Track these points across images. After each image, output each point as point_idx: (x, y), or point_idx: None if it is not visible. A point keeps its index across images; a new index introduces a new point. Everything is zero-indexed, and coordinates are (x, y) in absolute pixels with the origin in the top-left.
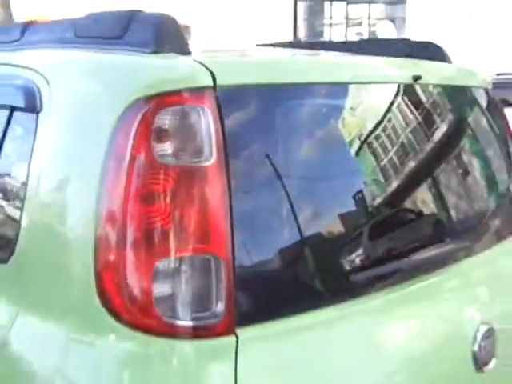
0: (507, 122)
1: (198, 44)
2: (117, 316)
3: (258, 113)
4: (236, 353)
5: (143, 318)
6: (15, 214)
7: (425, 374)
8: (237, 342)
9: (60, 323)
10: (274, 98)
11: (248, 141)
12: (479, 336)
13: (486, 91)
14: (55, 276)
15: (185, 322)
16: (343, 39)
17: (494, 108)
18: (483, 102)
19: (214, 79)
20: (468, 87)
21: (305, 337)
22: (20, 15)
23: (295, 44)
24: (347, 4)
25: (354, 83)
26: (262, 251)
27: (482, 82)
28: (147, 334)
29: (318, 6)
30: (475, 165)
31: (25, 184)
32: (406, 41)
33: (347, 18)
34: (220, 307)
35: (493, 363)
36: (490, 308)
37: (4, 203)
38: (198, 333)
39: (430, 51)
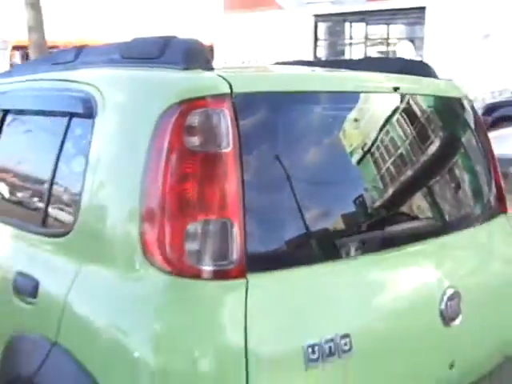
0: (482, 126)
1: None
2: (157, 264)
3: (265, 113)
4: (246, 290)
5: (177, 265)
6: (78, 196)
7: (399, 326)
8: (247, 283)
9: (114, 270)
10: (277, 102)
11: (256, 135)
12: (445, 297)
13: (465, 101)
14: (110, 239)
15: (208, 267)
16: (362, 56)
17: (471, 113)
18: (459, 109)
19: (231, 88)
20: (445, 97)
21: (298, 283)
22: (51, 38)
23: (305, 62)
24: (366, 25)
25: (344, 92)
26: (266, 217)
27: (462, 94)
28: (180, 277)
29: (338, 27)
30: (453, 159)
31: (84, 172)
32: (399, 59)
33: (366, 38)
34: (234, 257)
35: (459, 320)
36: (457, 275)
37: (66, 188)
38: (218, 275)
39: (419, 68)
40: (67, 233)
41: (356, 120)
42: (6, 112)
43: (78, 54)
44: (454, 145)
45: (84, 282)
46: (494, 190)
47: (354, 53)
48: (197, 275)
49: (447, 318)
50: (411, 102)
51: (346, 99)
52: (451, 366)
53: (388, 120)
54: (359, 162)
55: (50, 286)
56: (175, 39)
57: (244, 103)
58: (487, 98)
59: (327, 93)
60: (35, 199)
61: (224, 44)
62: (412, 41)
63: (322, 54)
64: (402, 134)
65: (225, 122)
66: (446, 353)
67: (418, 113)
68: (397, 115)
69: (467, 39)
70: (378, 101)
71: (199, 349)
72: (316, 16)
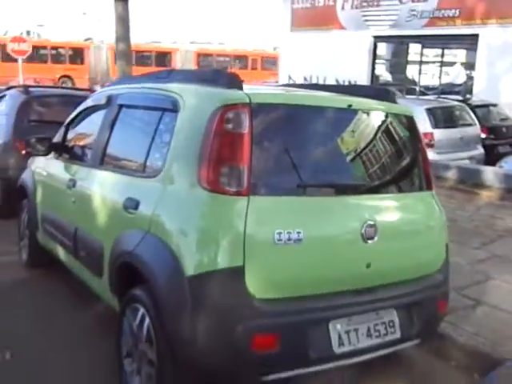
0: (419, 134)
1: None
2: (203, 186)
3: (267, 114)
4: (248, 202)
5: (215, 187)
6: (165, 155)
7: (334, 236)
8: (248, 199)
9: (182, 191)
10: (275, 108)
11: (260, 125)
12: (366, 225)
13: (408, 118)
14: (181, 173)
15: (231, 189)
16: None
17: (411, 127)
18: (402, 122)
19: (250, 100)
20: (393, 113)
21: (274, 203)
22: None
23: (307, 86)
24: (422, 47)
25: (322, 107)
26: (261, 168)
27: (407, 113)
28: (217, 194)
29: (396, 48)
30: (394, 150)
31: (170, 141)
32: (371, 87)
33: (421, 60)
34: (244, 185)
35: (374, 240)
36: (377, 215)
37: (158, 150)
38: (235, 194)
39: (382, 93)
40: (158, 174)
41: (322, 122)
42: (121, 106)
43: (170, 74)
44: (396, 142)
45: (164, 200)
46: (423, 174)
47: (410, 72)
48: (225, 193)
49: (365, 238)
50: (361, 115)
51: (317, 111)
52: (368, 266)
53: (344, 123)
54: (332, 144)
55: (146, 203)
56: (224, 71)
57: (256, 108)
58: None
59: (305, 106)
60: (139, 157)
61: (289, 59)
62: (464, 64)
63: (380, 71)
64: (353, 132)
65: (245, 117)
66: (364, 258)
67: (368, 120)
68: (351, 121)
69: None
70: (339, 112)
71: (222, 234)
72: (375, 37)
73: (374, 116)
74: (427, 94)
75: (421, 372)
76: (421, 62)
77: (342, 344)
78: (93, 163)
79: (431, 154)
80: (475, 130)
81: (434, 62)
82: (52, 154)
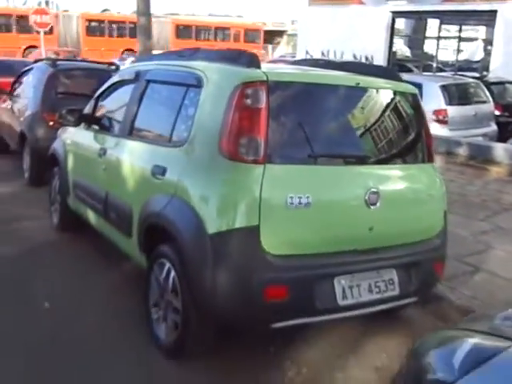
0: (422, 111)
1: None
2: (224, 155)
3: (281, 90)
4: (264, 170)
5: (235, 156)
6: (190, 126)
7: (341, 200)
8: (264, 167)
9: (204, 159)
10: (289, 86)
11: (276, 100)
12: (369, 192)
13: (413, 96)
14: (204, 143)
15: (249, 157)
16: (434, 53)
17: (416, 104)
18: (407, 99)
19: (267, 77)
20: (399, 91)
21: (287, 171)
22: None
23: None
24: (440, 23)
25: (333, 85)
26: (276, 139)
27: (412, 91)
28: (236, 162)
29: (414, 23)
30: (399, 125)
31: (194, 113)
32: (378, 67)
33: (439, 35)
34: (261, 155)
35: (376, 205)
36: (380, 183)
37: (184, 122)
38: (253, 162)
39: (387, 72)
40: (183, 144)
41: (332, 99)
42: (149, 81)
43: (194, 53)
44: (400, 118)
45: (188, 167)
46: (425, 148)
47: (428, 48)
48: (244, 161)
49: (369, 203)
50: (368, 91)
51: (328, 88)
52: (370, 229)
53: (352, 100)
54: (340, 119)
55: (172, 170)
56: (245, 52)
57: (273, 85)
58: None
59: (317, 84)
60: (165, 128)
61: (307, 34)
62: (482, 41)
63: (398, 47)
64: (361, 108)
65: (262, 93)
66: (367, 221)
67: (375, 97)
68: (358, 98)
69: None
70: (348, 89)
71: (240, 197)
72: (393, 12)
73: (380, 93)
74: (445, 71)
75: (419, 330)
76: (439, 38)
77: (346, 297)
78: (122, 133)
79: (444, 131)
80: (489, 107)
81: (451, 38)
82: (82, 125)
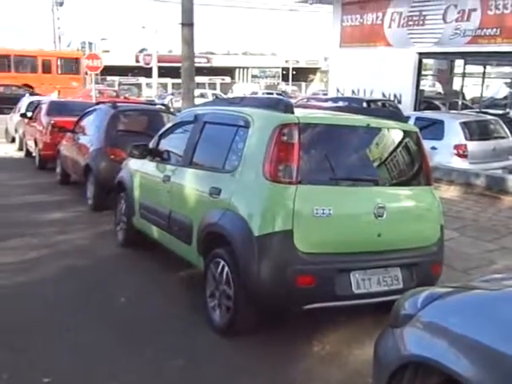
0: (422, 145)
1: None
2: (266, 177)
3: (311, 130)
4: (296, 190)
5: (275, 179)
6: (240, 157)
7: (355, 213)
8: (297, 187)
9: (251, 182)
10: (317, 127)
11: (306, 137)
12: (377, 207)
13: (415, 133)
14: (251, 169)
15: (286, 179)
16: (459, 91)
17: (417, 140)
18: (411, 137)
19: (299, 120)
20: (403, 130)
21: (315, 190)
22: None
23: (344, 109)
24: (465, 63)
25: (349, 126)
26: (306, 167)
27: (414, 130)
28: (276, 183)
29: (440, 64)
30: (404, 156)
31: (243, 148)
32: (389, 110)
33: (464, 75)
34: (294, 178)
35: (383, 217)
36: (386, 200)
37: (235, 154)
38: (288, 183)
39: (395, 115)
40: (235, 170)
41: (349, 136)
42: (206, 122)
43: (242, 100)
44: (405, 150)
45: (239, 187)
46: (424, 174)
47: (454, 87)
48: (281, 182)
49: (377, 215)
50: (377, 130)
51: (346, 128)
52: (379, 235)
53: (364, 137)
54: (355, 151)
55: (226, 190)
56: (282, 99)
57: (303, 126)
58: None
59: (337, 125)
60: (220, 158)
61: (338, 73)
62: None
63: (425, 86)
64: (371, 143)
65: (295, 132)
66: (376, 229)
67: (383, 135)
68: (370, 135)
69: None
70: (361, 129)
71: (279, 208)
72: (420, 53)
73: (388, 132)
74: (471, 108)
75: None
76: (463, 77)
77: (359, 287)
78: (183, 163)
79: (465, 164)
80: (508, 142)
81: (476, 77)
82: (147, 158)
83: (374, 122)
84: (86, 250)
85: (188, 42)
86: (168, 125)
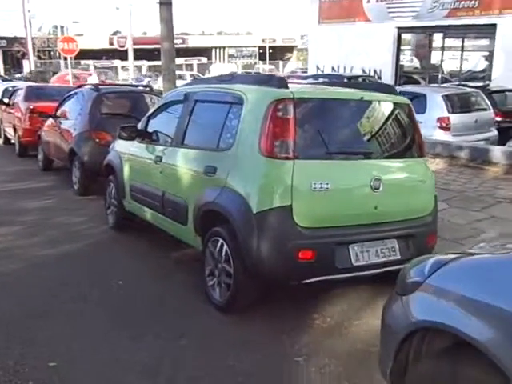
0: (414, 117)
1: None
2: (263, 153)
3: (306, 105)
4: (293, 164)
5: (271, 154)
6: (234, 134)
7: (353, 186)
8: (293, 162)
9: (246, 157)
10: (311, 101)
11: (300, 112)
12: (373, 179)
13: (407, 105)
14: (247, 146)
15: (282, 155)
16: (438, 65)
17: (409, 112)
18: (403, 108)
19: (293, 95)
20: (395, 102)
21: (311, 164)
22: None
23: (335, 83)
24: (444, 37)
25: (343, 99)
26: (301, 141)
27: (406, 102)
28: (273, 159)
29: (419, 38)
30: (397, 128)
31: (237, 124)
32: (378, 83)
33: (443, 48)
34: (291, 153)
35: (379, 189)
36: (382, 173)
37: (229, 131)
38: (285, 158)
39: (385, 88)
40: (230, 148)
41: (343, 109)
42: (197, 100)
43: (231, 77)
44: (398, 122)
45: (235, 164)
46: (417, 146)
47: (433, 60)
48: (278, 158)
49: (373, 188)
50: (370, 103)
51: (340, 102)
52: (375, 208)
53: (358, 110)
54: (350, 124)
55: (222, 168)
56: (275, 76)
57: (298, 101)
58: None
59: (331, 98)
60: (213, 136)
61: (318, 50)
62: (483, 53)
63: (404, 60)
64: (364, 116)
65: (290, 107)
66: (372, 202)
67: (376, 108)
68: (363, 108)
69: None
70: (355, 102)
71: (277, 184)
72: (399, 28)
73: (381, 104)
74: (450, 81)
75: None
76: (443, 51)
77: (358, 260)
78: (175, 143)
79: (447, 136)
80: (489, 114)
81: (455, 51)
82: (136, 139)
83: (368, 95)
84: (77, 235)
85: (167, 21)
86: (156, 105)
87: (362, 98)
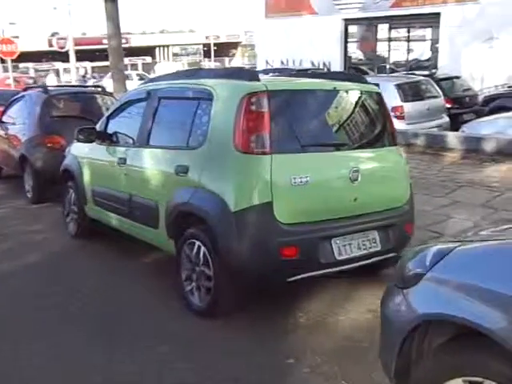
0: (384, 104)
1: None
2: (238, 150)
3: (279, 97)
4: (271, 159)
5: (246, 149)
6: (205, 131)
7: (331, 179)
8: (271, 157)
9: (220, 154)
10: (284, 93)
11: (275, 105)
12: (352, 171)
13: (377, 93)
14: (220, 143)
15: (258, 150)
16: (386, 55)
17: (379, 100)
18: (373, 96)
19: (267, 88)
20: (365, 91)
21: (289, 159)
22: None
23: (306, 74)
24: (390, 27)
25: (316, 90)
26: (276, 134)
27: (375, 90)
28: (249, 154)
29: (365, 29)
30: (365, 117)
31: (208, 121)
32: (347, 73)
33: (390, 39)
34: (267, 148)
35: (358, 181)
36: (359, 163)
37: (200, 128)
38: (261, 153)
39: (356, 77)
40: (201, 145)
41: (316, 100)
42: (161, 98)
43: (196, 72)
44: (369, 112)
45: (208, 162)
46: (390, 134)
47: (380, 51)
48: (255, 153)
49: (352, 180)
50: (343, 93)
51: (313, 93)
52: (355, 200)
53: (332, 100)
54: (325, 115)
55: (194, 167)
56: (245, 69)
57: (272, 94)
58: (492, 91)
59: (304, 90)
60: (182, 135)
61: (266, 45)
62: (429, 41)
63: (352, 52)
64: (338, 106)
65: (264, 101)
66: (352, 194)
67: (348, 97)
68: (336, 98)
69: (474, 41)
70: (328, 92)
71: (255, 181)
72: (346, 20)
73: (352, 94)
74: (397, 71)
75: None
76: (389, 42)
77: (341, 254)
78: (140, 144)
79: (402, 125)
80: (440, 101)
81: (401, 41)
82: (96, 141)
83: (340, 84)
84: (36, 245)
85: (113, 18)
86: (116, 104)
87: (334, 88)
